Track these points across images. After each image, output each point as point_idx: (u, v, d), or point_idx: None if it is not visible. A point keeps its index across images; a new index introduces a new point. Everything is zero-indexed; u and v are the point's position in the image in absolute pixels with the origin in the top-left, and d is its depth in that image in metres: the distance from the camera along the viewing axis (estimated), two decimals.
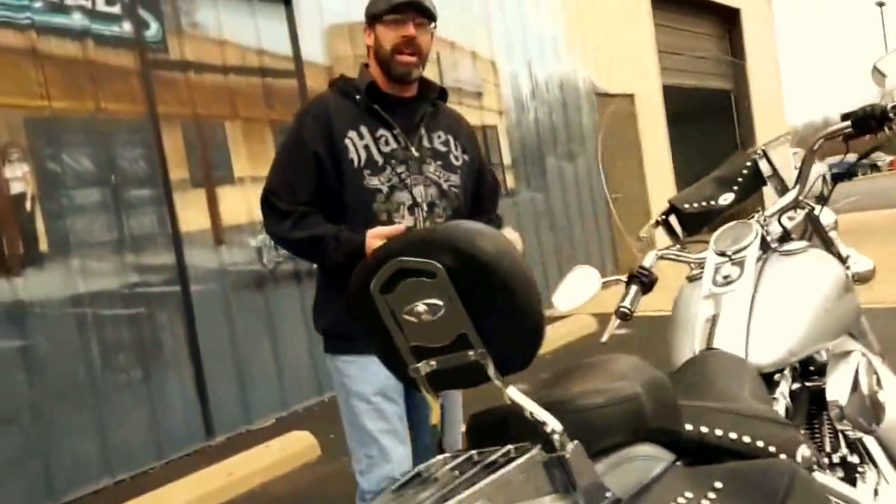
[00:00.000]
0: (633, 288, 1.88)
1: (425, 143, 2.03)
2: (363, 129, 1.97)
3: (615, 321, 1.89)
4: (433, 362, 1.05)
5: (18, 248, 3.66)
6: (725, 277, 1.80)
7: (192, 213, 4.34)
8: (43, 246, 3.75)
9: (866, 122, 1.97)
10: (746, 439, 1.27)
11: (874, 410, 1.62)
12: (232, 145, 4.62)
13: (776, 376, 1.63)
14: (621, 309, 1.84)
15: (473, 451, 1.02)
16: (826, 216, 2.07)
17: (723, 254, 1.85)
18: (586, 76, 7.74)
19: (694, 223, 2.03)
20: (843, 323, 1.78)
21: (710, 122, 10.96)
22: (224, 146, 4.59)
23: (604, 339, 1.90)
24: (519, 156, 6.93)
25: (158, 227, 4.19)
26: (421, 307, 1.04)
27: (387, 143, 1.99)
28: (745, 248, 1.84)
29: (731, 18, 11.36)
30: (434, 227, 1.44)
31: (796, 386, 1.67)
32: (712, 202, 2.01)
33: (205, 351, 4.29)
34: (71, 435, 3.67)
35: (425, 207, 1.99)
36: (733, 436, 1.26)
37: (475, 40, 6.51)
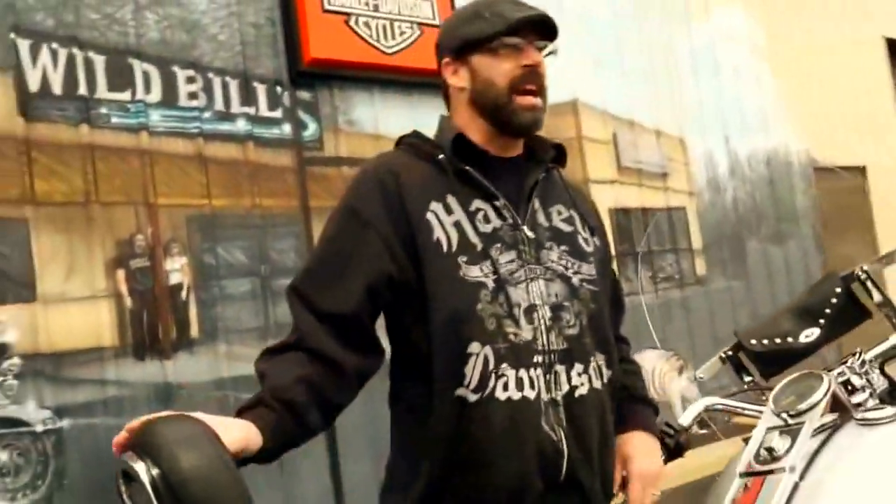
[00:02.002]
0: None
1: (541, 220, 1.51)
2: (451, 201, 1.45)
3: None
4: None
5: (171, 333, 4.04)
6: (770, 451, 1.45)
7: None
8: (194, 332, 4.10)
9: None
10: None
11: None
12: None
13: None
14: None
15: None
16: None
17: (782, 414, 1.49)
18: (801, 149, 7.01)
19: (770, 364, 1.72)
20: None
21: None
22: None
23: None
24: (712, 240, 6.41)
25: None
26: None
27: (486, 219, 1.46)
28: (807, 410, 1.46)
29: None
30: (158, 420, 1.09)
31: None
32: (789, 339, 1.69)
33: (341, 439, 4.40)
34: None
35: (548, 311, 1.44)
36: None
37: (660, 117, 6.19)
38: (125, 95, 4.08)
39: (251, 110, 4.43)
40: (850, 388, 1.53)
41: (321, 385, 1.38)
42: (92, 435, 3.72)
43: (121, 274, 3.95)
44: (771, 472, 1.39)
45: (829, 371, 1.55)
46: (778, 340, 1.66)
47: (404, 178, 1.44)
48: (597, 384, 1.44)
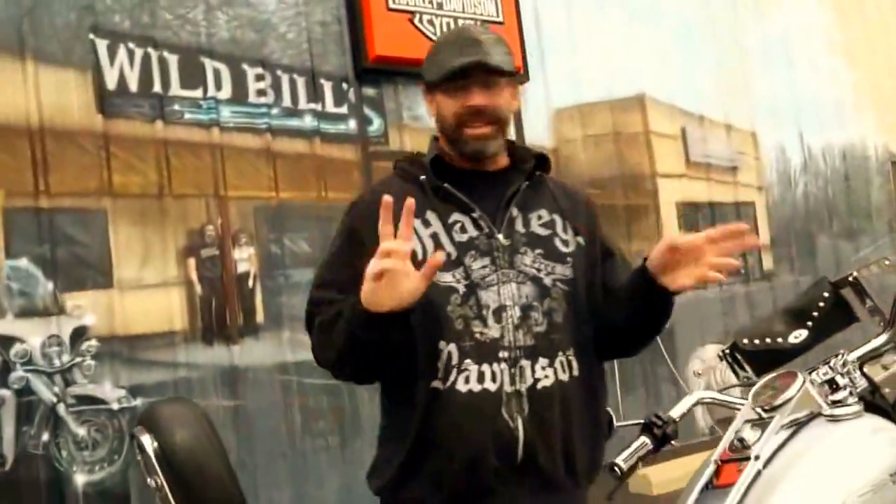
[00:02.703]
0: (641, 440, 1.61)
1: (519, 226, 1.60)
2: (430, 216, 1.57)
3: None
4: None
5: (238, 319, 4.21)
6: (741, 441, 1.50)
7: None
8: (259, 318, 4.27)
9: None
10: None
11: None
12: None
13: None
14: (614, 463, 1.57)
15: None
16: None
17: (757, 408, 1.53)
18: (879, 143, 6.78)
19: (761, 362, 1.72)
20: None
21: None
22: None
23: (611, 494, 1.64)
24: (781, 235, 6.29)
25: None
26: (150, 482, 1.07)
27: (463, 230, 1.57)
28: (780, 405, 1.50)
29: None
30: (161, 402, 1.26)
31: None
32: (779, 339, 1.71)
33: None
34: (270, 489, 4.09)
35: (517, 311, 1.52)
36: None
37: (731, 111, 6.08)
38: (197, 93, 4.26)
39: (318, 106, 4.56)
40: (834, 386, 1.56)
41: None
42: None
43: (192, 262, 4.14)
44: (740, 460, 1.45)
45: (816, 370, 1.59)
46: (768, 340, 1.71)
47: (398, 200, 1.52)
48: (563, 377, 1.53)
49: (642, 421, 1.65)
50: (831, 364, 1.58)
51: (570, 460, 1.54)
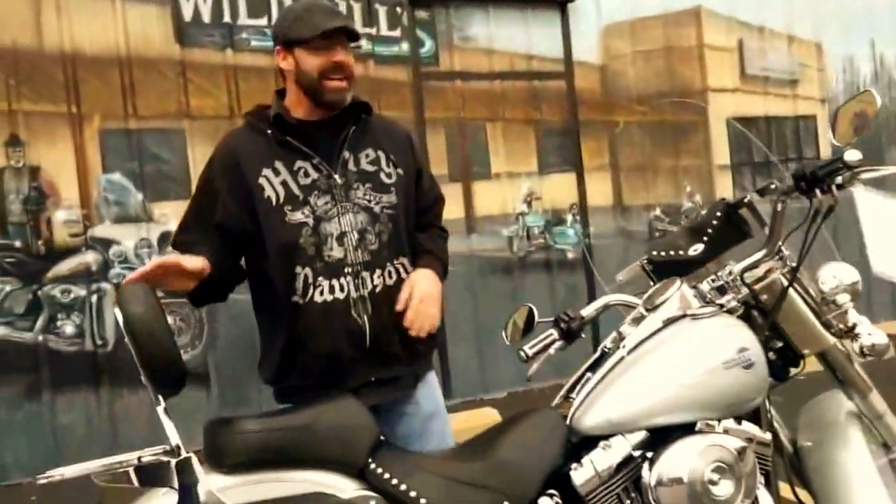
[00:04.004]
0: (548, 332, 1.93)
1: (351, 166, 1.91)
2: (278, 165, 1.87)
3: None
4: None
5: None
6: (620, 334, 1.84)
7: (447, 205, 4.96)
8: None
9: (798, 181, 1.81)
10: (422, 500, 1.50)
11: (701, 500, 1.59)
12: (491, 144, 5.17)
13: (608, 441, 1.65)
14: (521, 349, 1.91)
15: None
16: (847, 275, 1.87)
17: (641, 308, 1.85)
18: None
19: (667, 272, 1.92)
20: (707, 402, 1.68)
21: None
22: (483, 145, 5.16)
23: (528, 374, 1.95)
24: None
25: None
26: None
27: (306, 174, 1.87)
28: (657, 306, 1.81)
29: None
30: (123, 285, 1.62)
31: (630, 454, 1.64)
32: (680, 252, 1.92)
33: (450, 324, 4.96)
34: None
35: (355, 235, 1.87)
36: (412, 493, 1.51)
37: (794, 21, 5.97)
38: (262, 21, 4.68)
39: (372, 31, 4.90)
40: (722, 291, 1.80)
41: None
42: (237, 306, 4.50)
43: None
44: (615, 349, 1.77)
45: (707, 279, 1.83)
46: (672, 253, 1.90)
47: (242, 154, 1.89)
48: (390, 282, 1.91)
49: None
50: (719, 273, 1.85)
51: (405, 340, 1.93)
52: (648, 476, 1.61)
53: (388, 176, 1.96)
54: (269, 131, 1.91)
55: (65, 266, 4.29)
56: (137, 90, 4.46)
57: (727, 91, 5.71)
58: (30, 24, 4.29)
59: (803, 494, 1.87)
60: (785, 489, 1.87)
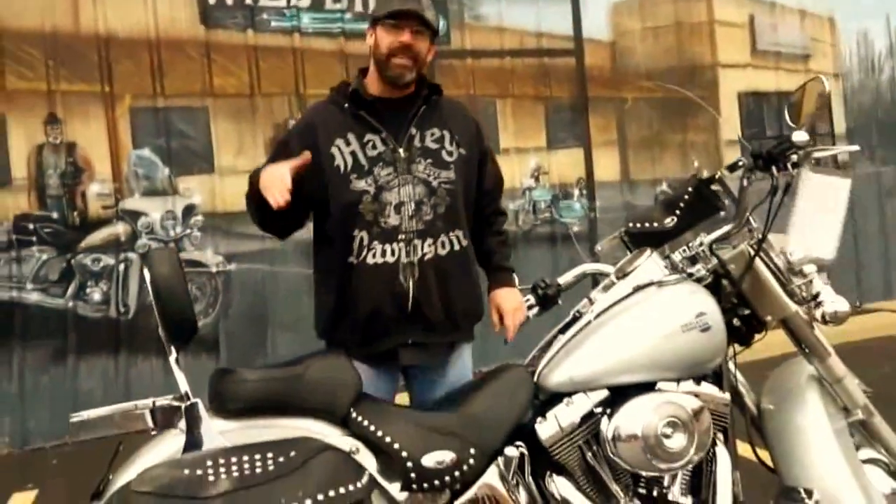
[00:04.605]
0: (526, 298, 2.06)
1: (416, 142, 2.04)
2: (350, 137, 2.03)
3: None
4: None
5: None
6: (590, 300, 1.96)
7: None
8: None
9: (756, 160, 1.95)
10: (396, 445, 1.65)
11: (655, 452, 1.72)
12: (500, 120, 5.35)
13: (571, 398, 1.78)
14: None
15: None
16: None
17: (613, 276, 1.98)
18: None
19: (643, 242, 2.02)
20: (665, 363, 1.81)
21: None
22: (493, 121, 5.34)
23: (509, 337, 2.11)
24: (860, 124, 6.19)
25: None
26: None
27: (374, 147, 2.02)
28: (627, 273, 1.94)
29: None
30: (153, 249, 1.85)
31: (592, 410, 1.76)
32: (655, 224, 2.00)
33: None
34: None
35: (412, 206, 2.00)
36: (388, 439, 1.66)
37: None
38: (281, 2, 4.92)
39: None
40: (694, 261, 1.94)
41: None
42: (251, 277, 4.84)
43: None
44: (580, 314, 1.89)
45: (679, 250, 1.97)
46: (647, 224, 1.98)
47: (319, 124, 2.05)
48: (442, 252, 2.04)
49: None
50: (690, 244, 1.99)
51: (449, 308, 2.07)
52: (607, 429, 1.73)
53: (450, 154, 2.08)
54: (346, 105, 2.06)
55: (97, 236, 4.64)
56: (165, 70, 4.75)
57: (738, 67, 5.79)
58: (67, 10, 4.60)
59: (765, 455, 1.95)
60: (748, 450, 1.95)
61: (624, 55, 5.53)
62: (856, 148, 2.31)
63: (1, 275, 4.50)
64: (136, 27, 4.72)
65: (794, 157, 1.91)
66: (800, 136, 1.87)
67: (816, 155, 1.98)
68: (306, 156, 1.91)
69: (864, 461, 1.94)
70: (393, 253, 2.00)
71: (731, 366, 1.92)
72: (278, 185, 1.82)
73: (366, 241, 2.01)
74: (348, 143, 2.03)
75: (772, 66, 5.87)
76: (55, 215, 4.60)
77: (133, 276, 4.59)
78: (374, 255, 2.00)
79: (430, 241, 2.02)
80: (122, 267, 4.62)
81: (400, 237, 2.01)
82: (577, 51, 5.47)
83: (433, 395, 2.09)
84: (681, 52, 5.66)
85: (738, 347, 1.95)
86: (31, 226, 4.56)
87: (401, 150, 2.02)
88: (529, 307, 2.07)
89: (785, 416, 1.96)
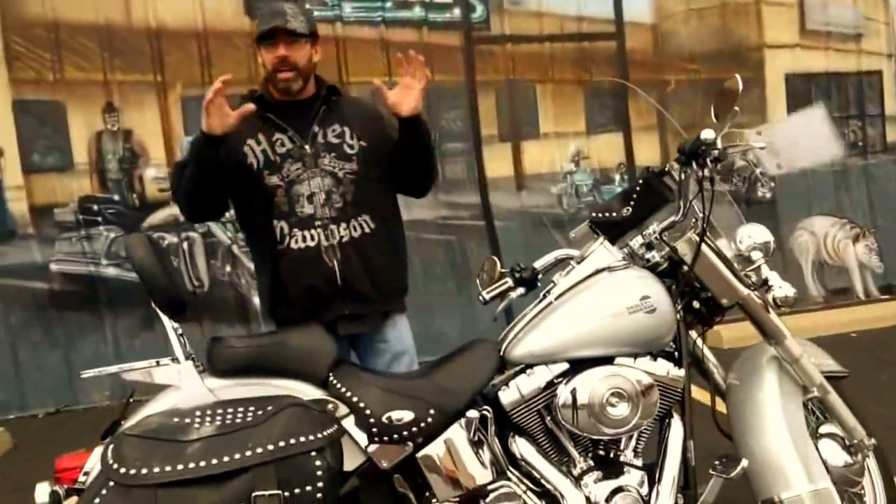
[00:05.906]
0: (504, 280, 2.14)
1: (319, 139, 2.25)
2: (260, 136, 2.24)
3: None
4: None
5: None
6: (553, 283, 2.10)
7: (497, 163, 5.31)
8: None
9: (680, 153, 2.08)
10: (362, 404, 1.86)
11: (599, 419, 1.90)
12: (541, 105, 5.40)
13: (532, 369, 1.96)
14: (481, 295, 2.17)
15: None
16: (760, 234, 2.14)
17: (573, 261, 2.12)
18: None
19: (605, 231, 2.13)
20: (614, 340, 1.96)
21: None
22: (533, 106, 5.39)
23: (494, 316, 2.18)
24: None
25: (468, 173, 5.29)
26: None
27: (282, 144, 2.24)
28: (585, 258, 2.09)
29: None
30: (129, 235, 2.15)
31: (551, 381, 1.94)
32: (614, 214, 2.11)
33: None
34: None
35: (323, 196, 2.24)
36: (355, 399, 1.86)
37: None
38: None
39: None
40: (651, 248, 2.07)
41: None
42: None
43: None
44: (542, 295, 2.03)
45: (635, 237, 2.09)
46: (607, 214, 2.09)
47: (239, 126, 2.16)
48: (356, 234, 2.26)
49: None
50: (645, 233, 2.12)
51: (375, 281, 2.30)
52: (559, 396, 1.90)
53: (351, 147, 2.30)
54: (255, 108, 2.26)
55: (158, 216, 4.96)
56: (213, 60, 4.96)
57: (786, 47, 5.68)
58: (119, 4, 4.84)
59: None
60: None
61: (667, 38, 5.49)
62: (762, 146, 2.33)
63: (75, 251, 4.87)
64: (185, 19, 4.94)
65: (715, 153, 1.98)
66: (707, 134, 1.97)
67: (729, 151, 2.05)
68: (249, 107, 2.11)
69: (823, 435, 2.10)
70: (313, 238, 2.26)
71: (700, 343, 2.09)
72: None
73: (286, 230, 2.25)
74: (259, 143, 2.25)
75: (822, 47, 5.75)
76: (116, 197, 4.97)
77: (198, 253, 4.87)
78: (296, 241, 2.24)
79: (344, 225, 2.27)
80: (185, 245, 4.95)
81: (317, 223, 2.25)
82: (619, 34, 5.46)
83: (381, 360, 2.35)
84: (726, 33, 5.58)
85: (701, 328, 2.09)
86: (95, 206, 4.92)
87: (307, 147, 2.25)
88: (508, 289, 2.14)
89: (745, 391, 2.11)
